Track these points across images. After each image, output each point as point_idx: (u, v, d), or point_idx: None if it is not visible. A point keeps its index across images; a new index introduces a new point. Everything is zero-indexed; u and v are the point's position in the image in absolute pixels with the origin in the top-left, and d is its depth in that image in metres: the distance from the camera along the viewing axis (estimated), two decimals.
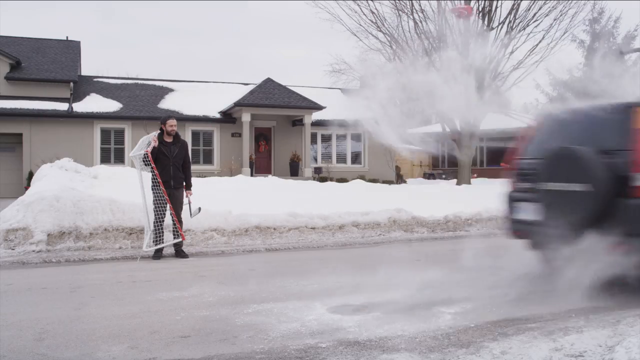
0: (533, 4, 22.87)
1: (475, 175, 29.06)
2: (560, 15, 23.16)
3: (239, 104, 20.55)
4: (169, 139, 7.69)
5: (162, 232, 7.56)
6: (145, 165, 7.47)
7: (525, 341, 3.83)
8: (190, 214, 7.82)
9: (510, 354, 3.59)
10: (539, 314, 4.57)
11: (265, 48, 78.97)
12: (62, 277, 6.25)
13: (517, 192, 6.27)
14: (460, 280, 5.97)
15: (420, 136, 34.19)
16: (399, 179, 24.82)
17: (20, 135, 19.69)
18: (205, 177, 16.13)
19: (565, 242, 5.05)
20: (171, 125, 7.68)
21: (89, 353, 3.63)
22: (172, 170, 7.57)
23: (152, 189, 7.58)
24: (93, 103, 21.12)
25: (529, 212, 5.88)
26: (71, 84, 21.10)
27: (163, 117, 7.95)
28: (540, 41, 24.07)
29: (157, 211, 7.50)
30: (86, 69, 33.44)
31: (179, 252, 7.67)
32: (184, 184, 7.82)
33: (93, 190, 9.97)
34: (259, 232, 9.12)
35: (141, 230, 8.63)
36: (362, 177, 21.49)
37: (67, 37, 25.28)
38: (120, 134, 20.97)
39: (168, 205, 7.52)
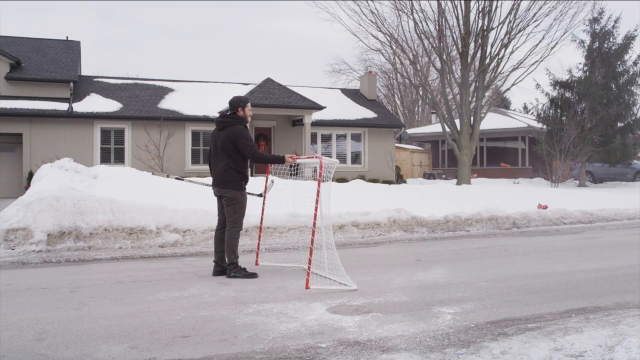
0: (533, 4, 22.91)
1: (475, 175, 29.07)
2: (560, 15, 23.21)
3: None
4: None
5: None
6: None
7: (525, 341, 3.83)
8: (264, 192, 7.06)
9: (510, 354, 3.59)
10: (539, 314, 4.57)
11: (265, 48, 79.00)
12: (62, 277, 6.24)
13: None
14: (460, 280, 5.98)
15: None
16: (399, 179, 24.82)
17: (20, 135, 19.68)
18: (205, 177, 16.11)
19: None
20: (249, 110, 6.29)
21: (89, 353, 3.63)
22: None
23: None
24: (93, 103, 21.10)
25: None
26: (71, 84, 21.10)
27: (239, 99, 6.27)
28: (540, 41, 24.10)
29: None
30: (86, 69, 33.47)
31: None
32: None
33: (93, 190, 9.97)
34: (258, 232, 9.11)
35: (141, 230, 8.63)
36: (362, 177, 21.51)
37: (67, 37, 25.27)
38: (120, 134, 20.96)
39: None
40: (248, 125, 6.32)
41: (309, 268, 5.45)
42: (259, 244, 6.99)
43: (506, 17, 23.06)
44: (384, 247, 8.85)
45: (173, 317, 4.47)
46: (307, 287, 5.34)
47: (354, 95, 27.48)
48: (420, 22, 23.82)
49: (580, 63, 26.93)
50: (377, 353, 3.61)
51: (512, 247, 8.69)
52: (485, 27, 22.99)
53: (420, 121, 46.30)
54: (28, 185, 14.55)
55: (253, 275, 6.12)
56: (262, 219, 7.17)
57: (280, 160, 6.15)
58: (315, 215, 5.60)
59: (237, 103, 6.23)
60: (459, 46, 23.56)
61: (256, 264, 6.66)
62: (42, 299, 5.15)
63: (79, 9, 76.51)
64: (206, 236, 8.75)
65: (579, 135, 24.33)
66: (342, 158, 24.41)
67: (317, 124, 22.97)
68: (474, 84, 24.07)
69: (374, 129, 24.45)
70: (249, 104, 6.27)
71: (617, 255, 7.78)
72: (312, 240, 5.47)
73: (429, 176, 30.48)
